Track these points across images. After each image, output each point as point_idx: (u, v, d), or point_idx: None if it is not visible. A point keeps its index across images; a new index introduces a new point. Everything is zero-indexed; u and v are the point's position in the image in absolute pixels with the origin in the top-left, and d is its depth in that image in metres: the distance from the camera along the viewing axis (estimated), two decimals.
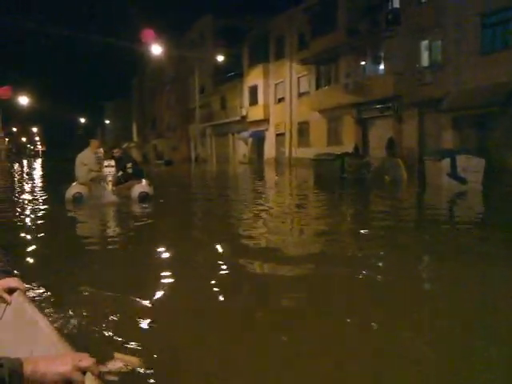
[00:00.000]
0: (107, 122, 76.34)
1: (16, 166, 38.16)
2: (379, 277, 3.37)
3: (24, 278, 1.50)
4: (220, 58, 32.19)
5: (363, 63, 21.77)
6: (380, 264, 3.85)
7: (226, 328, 2.47)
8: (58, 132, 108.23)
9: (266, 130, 31.67)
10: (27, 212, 7.47)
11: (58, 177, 16.52)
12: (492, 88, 15.18)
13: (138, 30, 63.62)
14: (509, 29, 15.40)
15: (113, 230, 6.13)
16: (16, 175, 22.82)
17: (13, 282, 1.38)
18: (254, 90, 32.28)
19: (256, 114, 32.10)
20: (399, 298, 2.96)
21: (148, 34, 27.03)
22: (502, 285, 3.22)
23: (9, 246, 4.32)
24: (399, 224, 6.18)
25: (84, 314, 2.54)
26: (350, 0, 21.91)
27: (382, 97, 20.08)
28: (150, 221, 6.58)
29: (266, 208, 7.98)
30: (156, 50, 28.91)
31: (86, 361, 0.97)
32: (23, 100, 44.44)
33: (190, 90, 43.96)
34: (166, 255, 4.33)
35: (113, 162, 8.16)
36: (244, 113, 33.60)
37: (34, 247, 4.68)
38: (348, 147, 20.11)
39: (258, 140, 32.91)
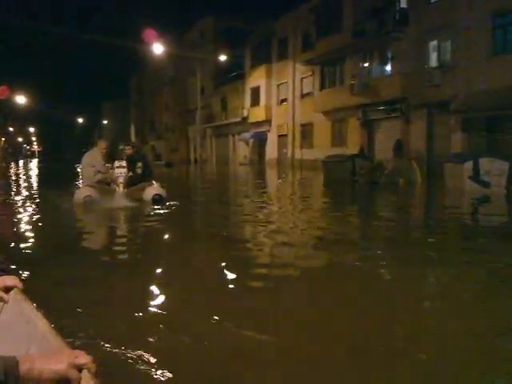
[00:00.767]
0: (105, 122, 75.79)
1: (13, 165, 37.56)
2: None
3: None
4: (221, 59, 31.81)
5: (370, 64, 21.47)
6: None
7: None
8: (55, 132, 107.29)
9: (268, 131, 31.32)
10: (34, 219, 6.85)
11: (58, 178, 16.12)
12: (504, 90, 14.88)
13: (137, 29, 63.32)
14: None
15: (131, 240, 5.48)
16: (16, 176, 22.29)
17: (10, 280, 1.36)
18: (256, 91, 31.92)
19: (258, 115, 31.74)
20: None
21: (150, 33, 26.70)
22: None
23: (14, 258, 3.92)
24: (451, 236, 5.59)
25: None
26: (356, 0, 21.63)
27: (389, 98, 19.78)
28: (169, 229, 6.00)
29: (285, 229, 5.94)
30: (157, 49, 28.50)
31: (83, 358, 0.96)
32: (20, 99, 43.98)
33: (189, 91, 43.60)
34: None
35: (124, 163, 7.73)
36: (245, 114, 33.25)
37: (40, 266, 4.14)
38: (353, 149, 19.78)
39: (260, 141, 32.56)
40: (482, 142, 15.97)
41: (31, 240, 5.08)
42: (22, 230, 5.87)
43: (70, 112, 74.97)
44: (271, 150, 31.24)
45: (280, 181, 16.95)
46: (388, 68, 20.71)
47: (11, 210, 7.83)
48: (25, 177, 20.96)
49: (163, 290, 3.11)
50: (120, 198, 7.43)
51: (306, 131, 27.25)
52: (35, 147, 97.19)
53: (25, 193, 11.48)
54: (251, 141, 33.31)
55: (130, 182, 8.03)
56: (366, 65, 21.61)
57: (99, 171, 8.15)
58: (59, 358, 0.95)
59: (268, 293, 3.18)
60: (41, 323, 1.16)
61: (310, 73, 26.17)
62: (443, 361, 2.07)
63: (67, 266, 3.79)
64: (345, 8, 22.60)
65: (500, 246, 4.74)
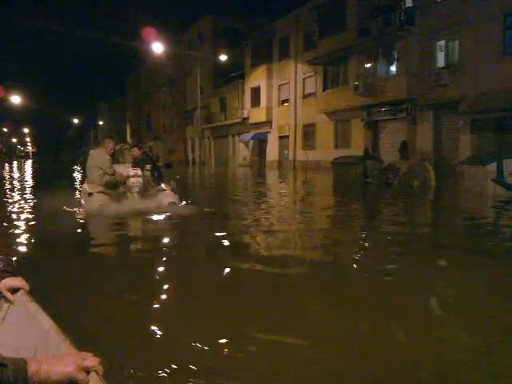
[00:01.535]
0: (101, 122, 75.03)
1: (6, 167, 36.70)
2: None
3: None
4: (220, 59, 31.34)
5: (375, 64, 21.11)
6: None
7: None
8: (50, 133, 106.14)
9: (269, 132, 30.89)
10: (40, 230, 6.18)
11: (60, 180, 15.56)
12: None
13: (136, 28, 62.80)
14: None
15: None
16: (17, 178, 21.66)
17: (16, 281, 1.35)
18: (256, 91, 31.48)
19: (258, 115, 31.30)
20: None
21: (149, 32, 26.22)
22: None
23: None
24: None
25: None
26: None
27: (395, 98, 19.45)
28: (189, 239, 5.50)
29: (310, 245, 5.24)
30: (157, 48, 27.99)
31: (91, 360, 0.95)
32: (15, 99, 43.26)
33: (187, 91, 43.11)
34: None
35: (139, 171, 7.26)
36: (245, 115, 32.79)
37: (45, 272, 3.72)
38: (356, 150, 19.40)
39: (260, 142, 32.14)
40: (492, 143, 15.66)
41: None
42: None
43: (65, 112, 74.24)
44: (272, 152, 30.81)
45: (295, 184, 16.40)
46: (393, 68, 20.36)
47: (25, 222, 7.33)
48: (19, 181, 20.32)
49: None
50: (133, 205, 6.94)
51: (308, 132, 26.85)
52: (29, 148, 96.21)
53: (23, 197, 10.92)
54: (251, 142, 32.88)
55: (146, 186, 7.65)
56: (371, 64, 21.25)
57: (106, 173, 7.67)
58: (67, 360, 0.94)
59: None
60: (48, 325, 1.14)
61: (313, 73, 25.79)
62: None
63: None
64: (348, 7, 22.25)
65: None
